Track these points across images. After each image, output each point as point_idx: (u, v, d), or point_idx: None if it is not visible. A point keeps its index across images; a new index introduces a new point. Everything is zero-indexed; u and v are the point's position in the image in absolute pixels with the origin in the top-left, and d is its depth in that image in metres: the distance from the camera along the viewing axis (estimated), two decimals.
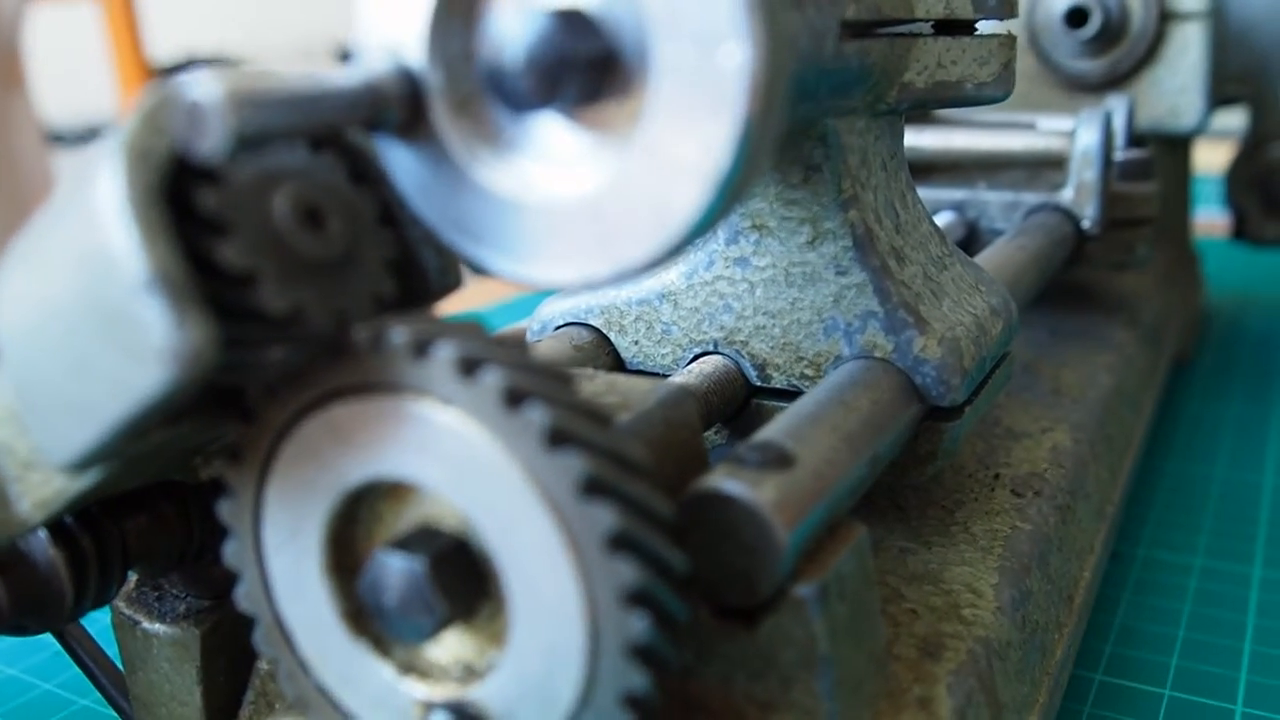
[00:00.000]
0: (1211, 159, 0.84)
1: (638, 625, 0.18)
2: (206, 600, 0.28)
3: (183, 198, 0.18)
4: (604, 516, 0.18)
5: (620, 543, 0.18)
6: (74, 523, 0.24)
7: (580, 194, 0.19)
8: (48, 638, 0.33)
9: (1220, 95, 0.65)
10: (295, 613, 0.22)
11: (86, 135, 2.53)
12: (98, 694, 0.36)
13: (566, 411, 0.18)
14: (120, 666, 0.29)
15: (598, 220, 0.19)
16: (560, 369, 0.19)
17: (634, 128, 0.18)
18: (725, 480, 0.21)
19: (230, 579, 0.27)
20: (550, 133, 0.19)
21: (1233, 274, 0.81)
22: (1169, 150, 0.65)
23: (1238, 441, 0.54)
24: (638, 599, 0.18)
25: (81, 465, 0.19)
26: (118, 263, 0.16)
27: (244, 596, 0.22)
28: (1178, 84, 0.61)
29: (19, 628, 0.25)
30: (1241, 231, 0.70)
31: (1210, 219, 0.84)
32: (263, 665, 0.27)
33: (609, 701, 0.19)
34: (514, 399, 0.18)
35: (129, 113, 0.16)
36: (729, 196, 0.18)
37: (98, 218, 0.16)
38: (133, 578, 0.29)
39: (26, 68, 1.08)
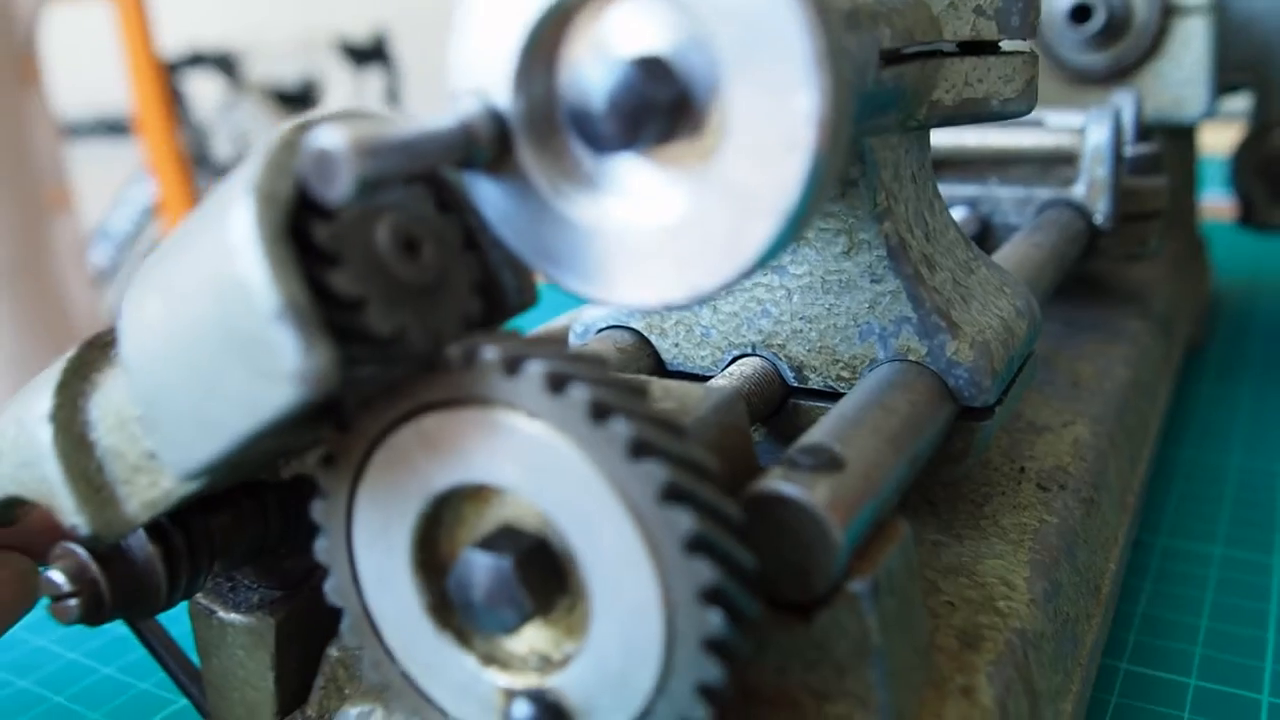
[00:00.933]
0: (1218, 141, 0.85)
1: (713, 620, 0.20)
2: (277, 591, 0.30)
3: (300, 231, 0.19)
4: (682, 520, 0.19)
5: (697, 545, 0.19)
6: (168, 520, 0.26)
7: (657, 225, 0.20)
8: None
9: (1224, 83, 0.66)
10: (382, 606, 0.23)
11: (98, 128, 2.56)
12: (156, 680, 0.38)
13: (646, 424, 0.20)
14: (192, 654, 0.31)
15: (673, 249, 0.20)
16: (638, 382, 0.21)
17: (708, 165, 0.20)
18: (782, 483, 0.22)
19: (301, 572, 0.29)
20: (628, 169, 0.21)
21: (1240, 258, 0.82)
22: (1174, 139, 0.66)
23: (1251, 428, 0.55)
24: (713, 596, 0.20)
25: (200, 475, 0.20)
26: (251, 293, 0.18)
27: (333, 590, 0.24)
28: (1182, 76, 0.62)
29: (116, 616, 0.27)
30: (1248, 218, 0.71)
31: (1217, 203, 0.85)
32: (333, 653, 0.29)
33: (685, 691, 0.20)
34: (599, 413, 0.20)
35: (257, 155, 0.18)
36: (798, 228, 0.19)
37: (232, 252, 0.18)
38: None
39: (42, 64, 1.10)
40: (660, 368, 0.34)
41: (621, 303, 0.21)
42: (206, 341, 0.19)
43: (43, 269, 1.16)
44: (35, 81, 1.10)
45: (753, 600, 0.21)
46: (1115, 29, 0.63)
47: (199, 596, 0.30)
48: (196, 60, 2.44)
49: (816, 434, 0.26)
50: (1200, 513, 0.47)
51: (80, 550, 0.25)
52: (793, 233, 0.19)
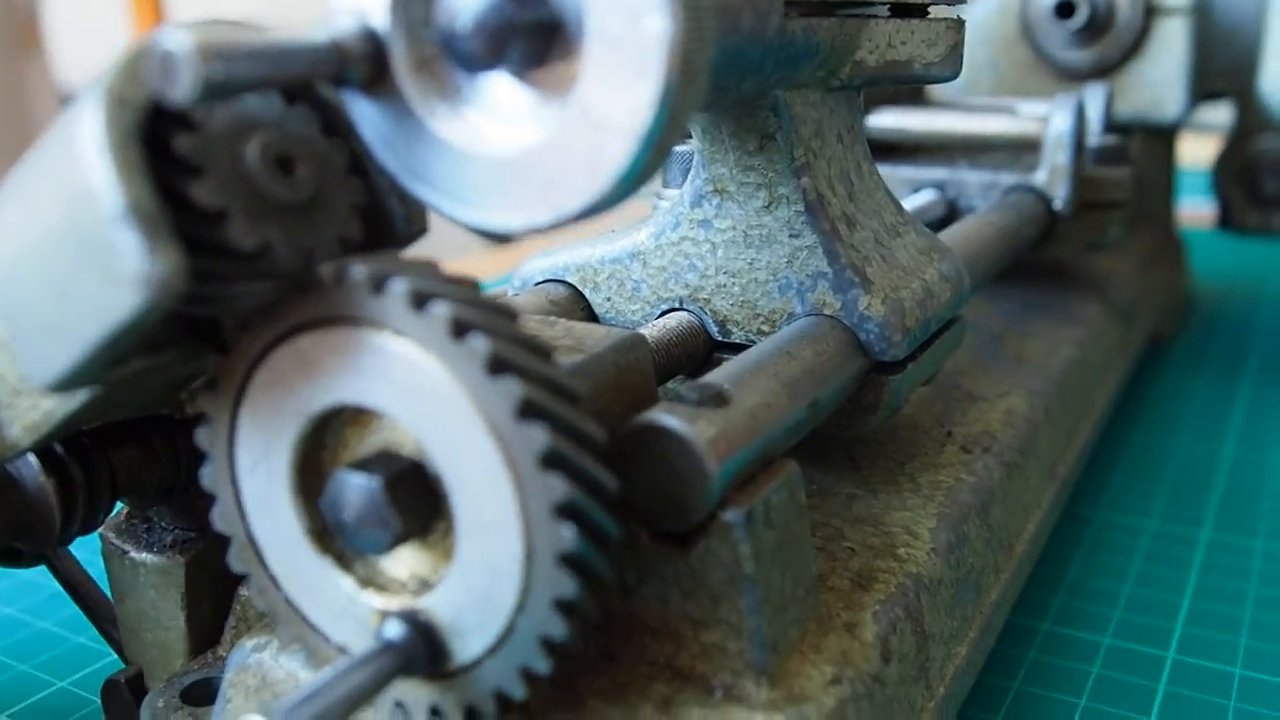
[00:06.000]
0: (1200, 153, 0.86)
1: (567, 535, 0.20)
2: (193, 532, 0.30)
3: (162, 143, 0.19)
4: (537, 436, 0.20)
5: (551, 460, 0.20)
6: (64, 452, 0.26)
7: (524, 148, 0.21)
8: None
9: (1207, 89, 0.67)
10: (266, 531, 0.24)
11: None
12: (92, 633, 0.38)
13: (507, 342, 0.20)
14: (109, 595, 0.31)
15: (539, 172, 0.21)
16: (506, 304, 0.21)
17: (572, 89, 0.20)
18: (662, 415, 0.23)
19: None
20: (500, 91, 0.21)
21: (1218, 262, 0.83)
22: (1153, 140, 0.66)
23: (1203, 416, 0.56)
24: (566, 511, 0.20)
25: (63, 386, 0.21)
26: (97, 196, 0.18)
27: (219, 517, 0.24)
28: (1161, 76, 0.63)
29: (11, 552, 0.27)
30: (1226, 220, 0.71)
31: (1197, 210, 0.86)
32: (245, 593, 0.29)
33: (543, 607, 0.21)
34: (459, 329, 0.20)
35: (110, 63, 0.18)
36: (653, 153, 0.20)
37: (80, 156, 0.18)
38: (123, 510, 0.30)
39: (45, 30, 1.11)
40: (594, 321, 0.35)
41: (491, 226, 0.21)
42: (58, 248, 0.19)
43: None
44: (37, 46, 1.11)
45: (613, 520, 0.21)
46: (1098, 26, 0.63)
47: (112, 536, 0.30)
48: None
49: (711, 375, 0.26)
50: (1140, 490, 0.48)
51: None
52: (649, 156, 0.20)
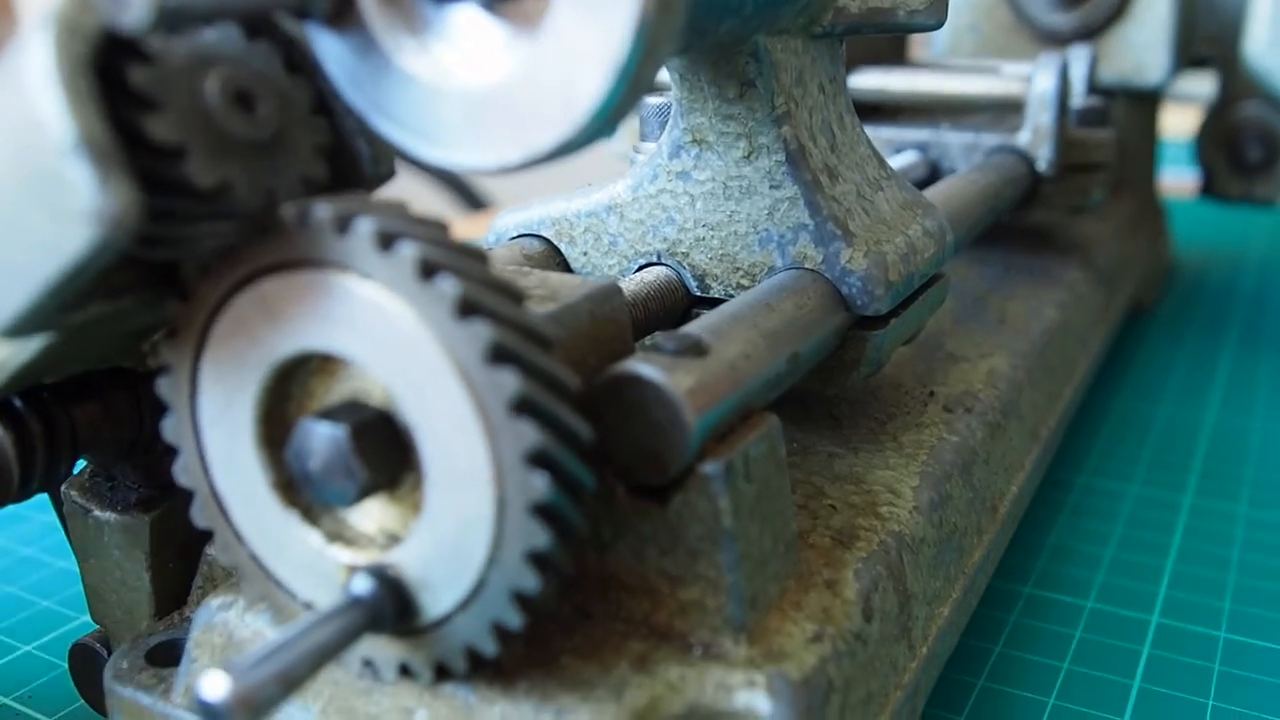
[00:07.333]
0: (1182, 124, 0.85)
1: (539, 485, 0.19)
2: (157, 490, 0.29)
3: (117, 78, 0.19)
4: (508, 381, 0.19)
5: (523, 406, 0.19)
6: (23, 405, 0.25)
7: (494, 82, 0.20)
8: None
9: (1191, 56, 0.66)
10: (230, 485, 0.23)
11: None
12: (59, 597, 0.38)
13: (477, 284, 0.19)
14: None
15: (509, 107, 0.20)
16: (477, 247, 0.20)
17: (543, 19, 0.19)
18: (639, 364, 0.22)
19: None
20: (469, 23, 0.20)
21: (1200, 231, 0.83)
22: (1136, 105, 0.66)
23: (1185, 382, 0.56)
24: (539, 459, 0.19)
25: (16, 331, 0.20)
26: (45, 127, 0.17)
27: (182, 470, 0.23)
28: (1145, 40, 0.62)
29: None
30: (1209, 189, 0.71)
31: (1180, 180, 0.86)
32: (210, 552, 0.29)
33: (515, 559, 0.20)
34: (428, 271, 0.19)
35: None
36: (629, 85, 0.19)
37: (28, 85, 0.17)
38: (86, 468, 0.30)
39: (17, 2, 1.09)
40: None
41: (459, 165, 0.21)
42: (7, 184, 0.18)
43: None
44: (8, 16, 1.09)
45: (587, 471, 0.20)
46: None
47: (75, 495, 0.29)
48: None
49: (690, 326, 0.25)
50: (1123, 455, 0.48)
51: None
52: (625, 89, 0.19)
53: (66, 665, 0.31)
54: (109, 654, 0.30)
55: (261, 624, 0.25)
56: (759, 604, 0.23)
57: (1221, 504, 0.43)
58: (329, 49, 0.21)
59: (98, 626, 0.31)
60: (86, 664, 0.31)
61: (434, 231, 0.20)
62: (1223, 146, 0.71)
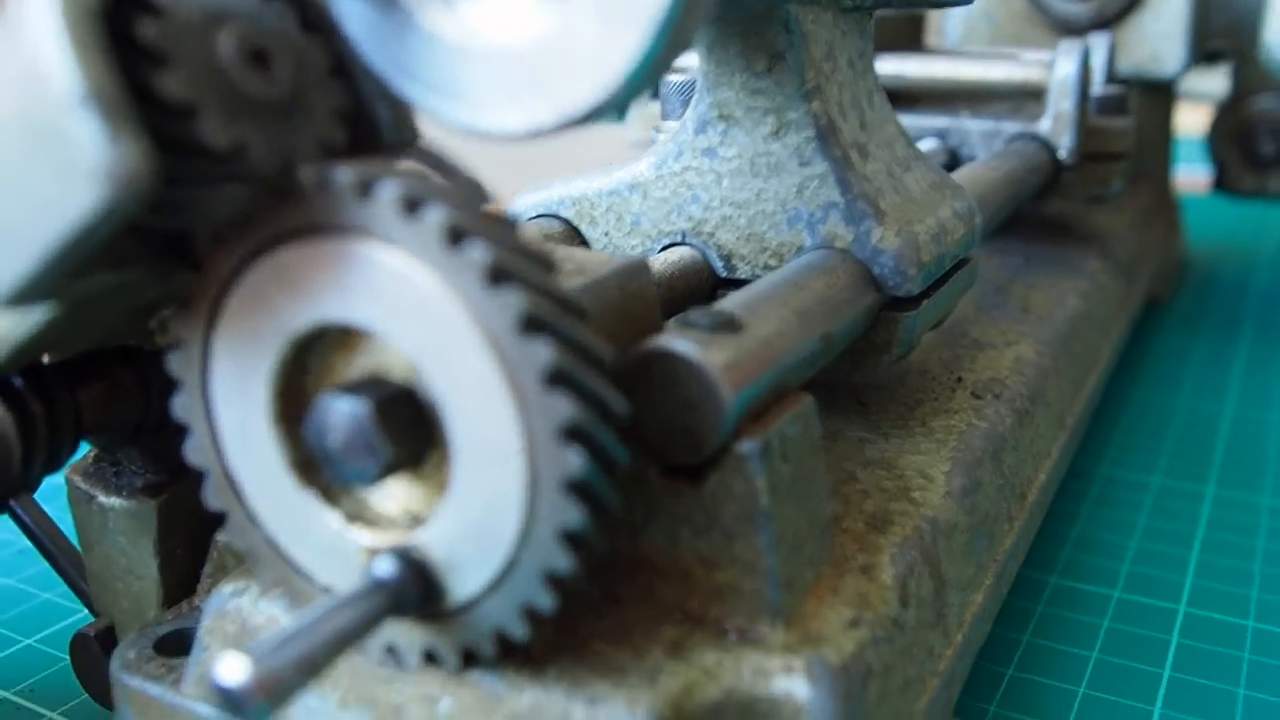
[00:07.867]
0: (1194, 121, 0.85)
1: (574, 460, 0.18)
2: (165, 475, 0.28)
3: (127, 34, 0.18)
4: (542, 352, 0.18)
5: (557, 378, 0.18)
6: (24, 386, 0.24)
7: (526, 40, 0.19)
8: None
9: (1206, 49, 0.66)
10: (244, 465, 0.22)
11: None
12: (60, 589, 0.37)
13: (507, 251, 0.18)
14: (77, 544, 0.30)
15: (542, 66, 0.19)
16: (504, 214, 0.19)
17: None
18: (673, 340, 0.21)
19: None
20: None
21: (1213, 226, 0.82)
22: (1152, 96, 0.65)
23: (1203, 374, 0.56)
24: (574, 434, 0.18)
25: (18, 299, 0.19)
26: (51, 79, 0.16)
27: (193, 450, 0.22)
28: (1161, 30, 0.61)
29: None
30: (1221, 182, 0.70)
31: (1194, 176, 0.85)
32: (220, 538, 0.28)
33: (548, 538, 0.19)
34: (455, 237, 0.18)
35: None
36: (667, 45, 0.18)
37: (31, 35, 0.16)
38: (91, 452, 0.29)
39: None
40: None
41: (488, 129, 0.20)
42: (9, 143, 0.17)
43: None
44: None
45: (621, 446, 0.19)
46: None
47: (79, 481, 0.28)
48: None
49: (723, 304, 0.24)
50: (1144, 446, 0.47)
51: None
52: (662, 48, 0.18)
53: (68, 657, 0.30)
54: (113, 645, 0.29)
55: (277, 611, 0.24)
56: (795, 588, 0.22)
57: (1244, 495, 0.43)
58: (347, 7, 0.20)
59: (101, 617, 0.30)
60: (89, 656, 0.30)
61: (461, 195, 0.19)
62: (1235, 141, 0.70)
